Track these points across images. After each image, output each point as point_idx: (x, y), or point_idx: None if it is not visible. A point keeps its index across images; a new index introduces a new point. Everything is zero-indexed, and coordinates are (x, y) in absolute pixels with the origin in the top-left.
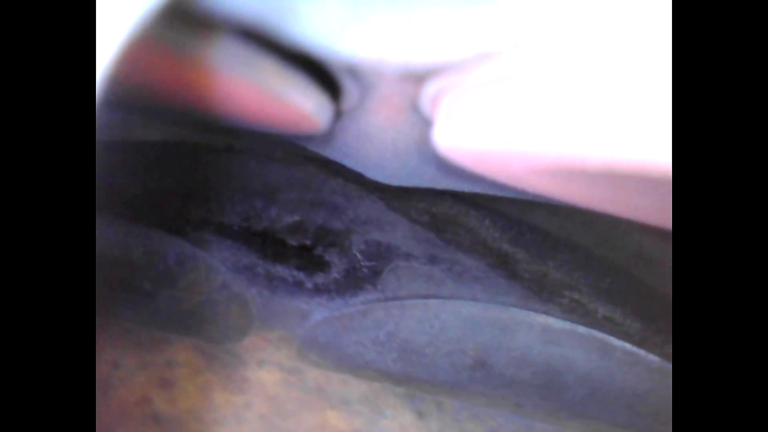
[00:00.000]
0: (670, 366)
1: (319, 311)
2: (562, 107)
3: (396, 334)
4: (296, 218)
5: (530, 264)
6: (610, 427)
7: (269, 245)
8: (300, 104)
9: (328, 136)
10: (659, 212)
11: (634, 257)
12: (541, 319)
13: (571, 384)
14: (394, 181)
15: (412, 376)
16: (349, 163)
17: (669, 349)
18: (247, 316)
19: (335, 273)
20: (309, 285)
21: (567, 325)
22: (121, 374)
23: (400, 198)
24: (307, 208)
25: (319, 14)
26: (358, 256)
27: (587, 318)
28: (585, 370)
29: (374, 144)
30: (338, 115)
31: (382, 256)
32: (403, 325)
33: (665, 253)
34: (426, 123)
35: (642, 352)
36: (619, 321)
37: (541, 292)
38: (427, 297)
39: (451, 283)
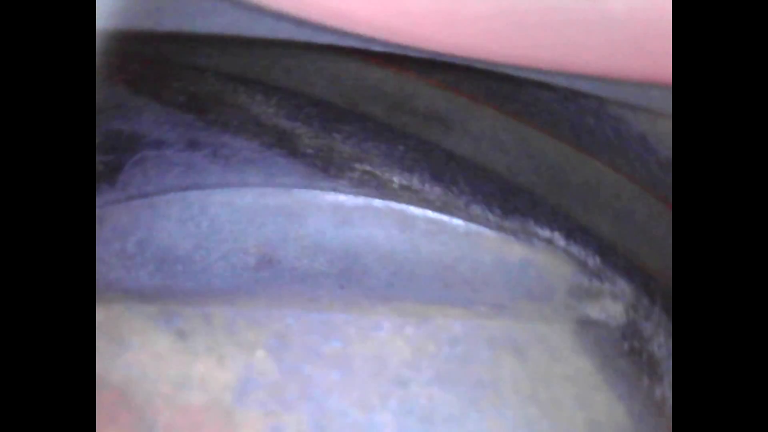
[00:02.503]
0: (476, 228)
1: None
2: None
3: (149, 241)
4: None
5: (313, 138)
6: (419, 306)
7: None
8: None
9: None
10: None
11: (427, 120)
12: (331, 197)
13: (373, 265)
14: None
15: (175, 290)
16: None
17: (475, 209)
18: None
19: None
20: None
21: (361, 200)
22: None
23: (147, 79)
24: None
25: None
26: None
27: (382, 189)
28: (386, 247)
29: None
30: None
31: (122, 147)
32: (158, 228)
33: (459, 112)
34: None
35: (445, 218)
36: (416, 188)
37: (328, 168)
38: (186, 189)
39: (218, 170)
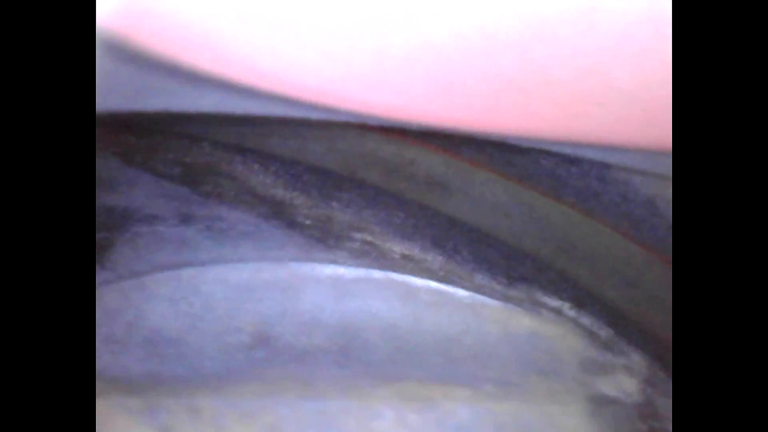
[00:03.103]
0: (481, 298)
1: None
2: None
3: (139, 325)
4: None
5: (311, 208)
6: (423, 387)
7: None
8: None
9: None
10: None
11: (427, 186)
12: (330, 269)
13: (374, 340)
14: None
15: (163, 378)
16: None
17: (479, 278)
18: None
19: None
20: None
21: (361, 272)
22: None
23: (140, 150)
24: None
25: None
26: None
27: (382, 260)
28: (388, 320)
29: None
30: None
31: (114, 225)
32: (148, 309)
33: (460, 177)
34: None
35: (449, 288)
36: (418, 257)
37: (327, 239)
38: (179, 266)
39: (212, 245)
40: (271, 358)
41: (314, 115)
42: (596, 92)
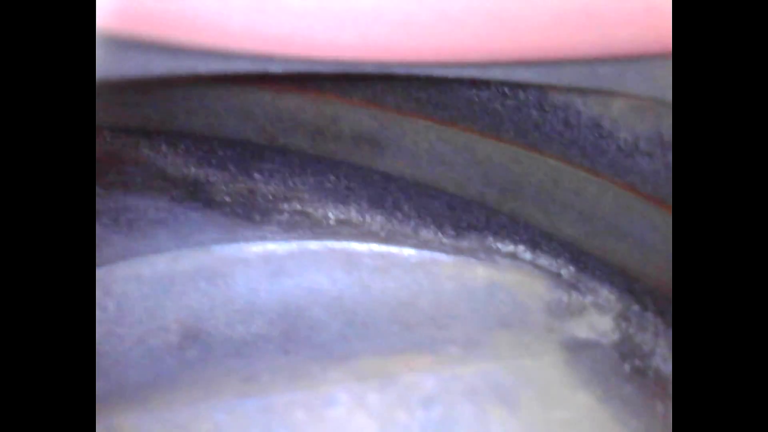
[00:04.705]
0: (431, 255)
1: None
2: None
3: None
4: None
5: (230, 184)
6: (380, 361)
7: None
8: None
9: None
10: None
11: (356, 143)
12: (259, 247)
13: (320, 318)
14: None
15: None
16: None
17: (425, 233)
18: None
19: None
20: None
21: (294, 245)
22: None
23: None
24: None
25: None
26: None
27: (317, 229)
28: (332, 294)
29: None
30: None
31: None
32: None
33: (389, 129)
34: None
35: (394, 249)
36: (356, 221)
37: (252, 214)
38: None
39: (121, 239)
40: (205, 357)
41: (214, 67)
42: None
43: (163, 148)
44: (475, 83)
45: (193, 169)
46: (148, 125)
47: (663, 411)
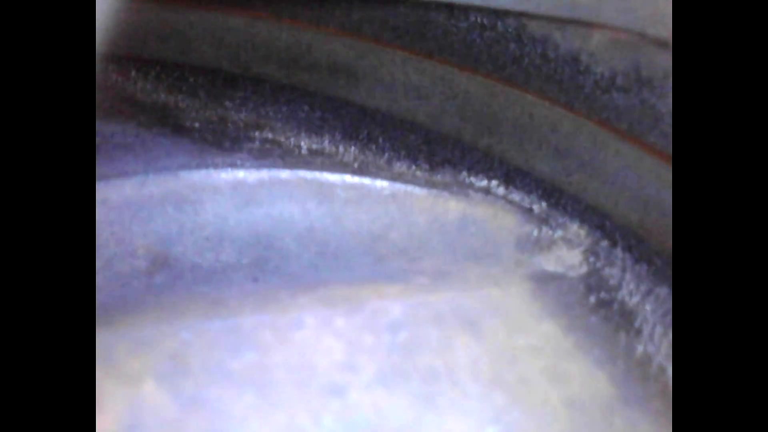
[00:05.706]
0: (404, 187)
1: None
2: None
3: None
4: None
5: (200, 111)
6: (350, 289)
7: None
8: None
9: None
10: None
11: (331, 73)
12: (229, 174)
13: (291, 248)
14: None
15: None
16: None
17: (398, 166)
18: None
19: None
20: None
21: (265, 174)
22: None
23: None
24: None
25: None
26: None
27: (289, 158)
28: (303, 225)
29: None
30: None
31: None
32: None
33: (366, 60)
34: None
35: (367, 181)
36: (329, 151)
37: (222, 141)
38: None
39: None
40: (172, 283)
41: None
42: None
43: (133, 73)
44: (453, 13)
45: (162, 96)
46: (116, 51)
47: (626, 341)
